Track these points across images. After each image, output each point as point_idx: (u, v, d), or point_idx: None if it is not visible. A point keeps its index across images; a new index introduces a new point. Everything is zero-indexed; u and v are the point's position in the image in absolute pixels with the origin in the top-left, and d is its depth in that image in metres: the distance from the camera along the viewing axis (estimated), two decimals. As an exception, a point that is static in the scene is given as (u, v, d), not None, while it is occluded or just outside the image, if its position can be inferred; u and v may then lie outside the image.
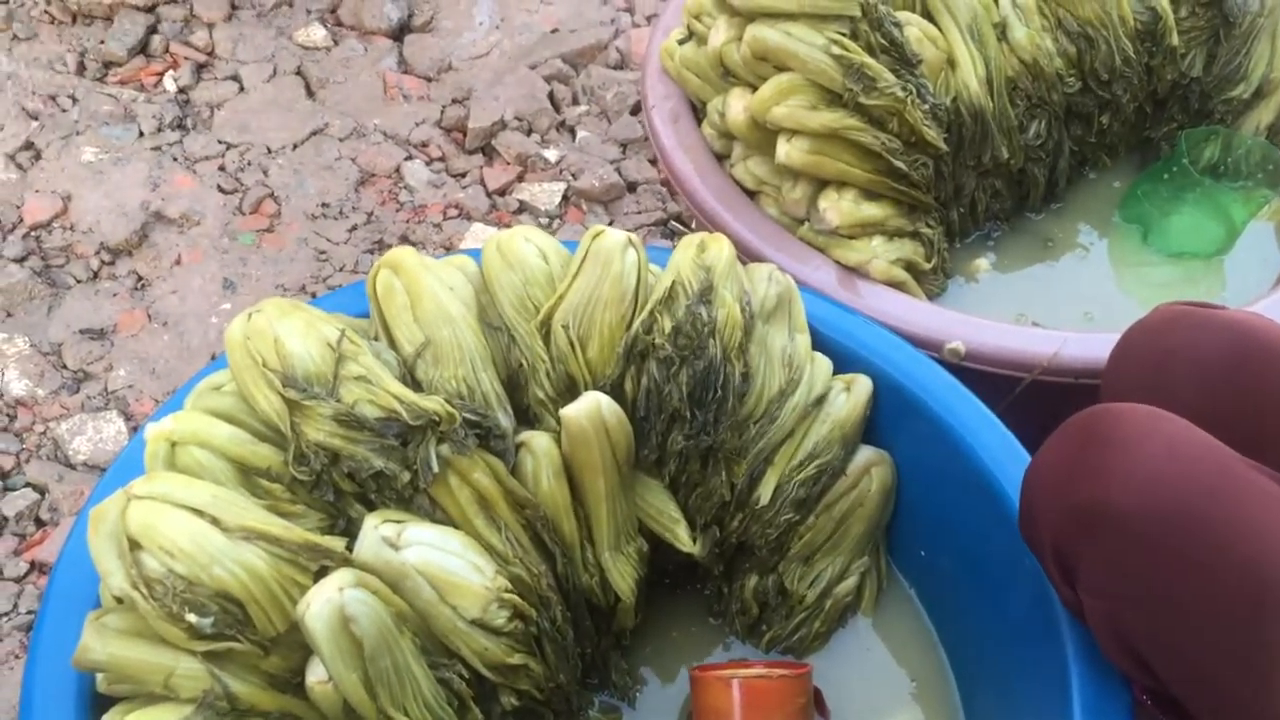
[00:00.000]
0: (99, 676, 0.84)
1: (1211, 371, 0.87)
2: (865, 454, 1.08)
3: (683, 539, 1.03)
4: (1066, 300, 1.39)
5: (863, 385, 1.08)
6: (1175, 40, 1.42)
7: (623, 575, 1.01)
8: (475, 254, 1.05)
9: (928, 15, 1.33)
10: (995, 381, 1.17)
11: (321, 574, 0.82)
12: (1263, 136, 1.48)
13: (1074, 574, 0.79)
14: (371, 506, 0.90)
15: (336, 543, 0.85)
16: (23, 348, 1.60)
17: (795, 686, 0.98)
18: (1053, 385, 1.18)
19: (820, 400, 1.06)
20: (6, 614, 1.35)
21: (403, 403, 0.88)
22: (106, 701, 0.85)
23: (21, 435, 1.52)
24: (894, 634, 1.13)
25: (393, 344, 0.96)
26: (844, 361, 1.10)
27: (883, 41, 1.23)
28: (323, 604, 0.79)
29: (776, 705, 0.98)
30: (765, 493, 1.04)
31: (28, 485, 1.47)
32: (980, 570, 1.03)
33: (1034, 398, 1.17)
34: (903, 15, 1.29)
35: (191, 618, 0.78)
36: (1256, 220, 1.43)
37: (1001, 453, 1.00)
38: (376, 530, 0.86)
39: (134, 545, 0.79)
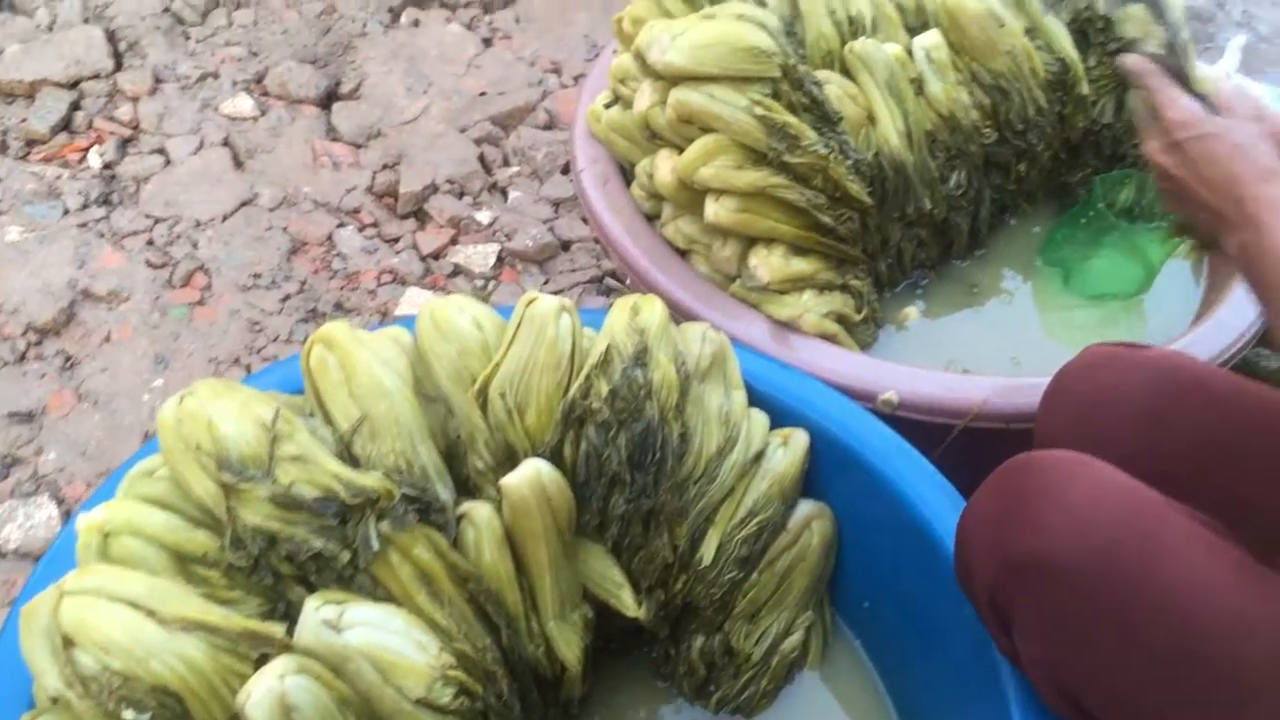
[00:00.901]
0: (34, 779, 0.81)
1: (1140, 411, 0.89)
2: (805, 508, 1.09)
3: (628, 604, 1.03)
4: (994, 345, 1.42)
5: (800, 439, 1.09)
6: (1085, 89, 1.47)
7: (569, 644, 1.00)
8: (409, 323, 1.05)
9: (846, 73, 1.36)
10: (928, 430, 1.19)
11: (262, 661, 0.81)
12: (1174, 178, 1.52)
13: (1009, 623, 0.81)
14: (312, 588, 0.89)
15: (276, 629, 0.84)
16: (-52, 434, 1.56)
17: (746, 746, 0.98)
18: (985, 431, 1.20)
19: (758, 457, 1.07)
20: (-64, 711, 1.31)
21: (340, 481, 0.87)
22: (43, 804, 0.82)
23: (-51, 524, 1.48)
24: (841, 686, 1.13)
25: (329, 420, 0.96)
26: (780, 416, 1.11)
27: (804, 100, 1.26)
28: (263, 693, 0.78)
29: (728, 766, 0.98)
30: (708, 553, 1.04)
31: (-44, 576, 1.43)
32: (922, 618, 1.04)
33: (967, 444, 1.19)
34: (822, 74, 1.32)
35: (129, 715, 0.76)
36: (1173, 259, 1.47)
37: (938, 502, 1.02)
38: (317, 613, 0.85)
39: (68, 643, 0.77)
